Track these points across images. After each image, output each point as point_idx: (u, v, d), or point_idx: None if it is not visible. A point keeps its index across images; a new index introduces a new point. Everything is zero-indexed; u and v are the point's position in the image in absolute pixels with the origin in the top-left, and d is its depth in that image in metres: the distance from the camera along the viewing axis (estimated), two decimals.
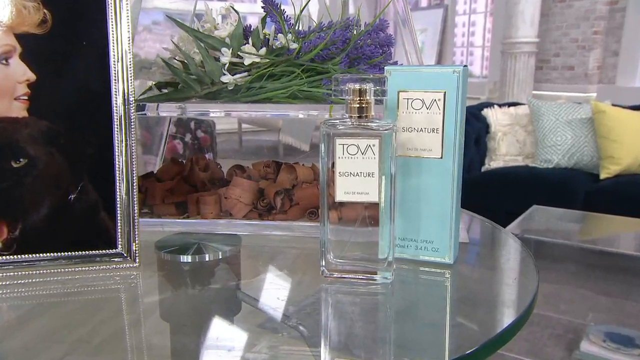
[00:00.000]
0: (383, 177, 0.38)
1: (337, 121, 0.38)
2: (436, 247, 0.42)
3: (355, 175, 0.38)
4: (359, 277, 0.39)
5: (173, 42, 0.49)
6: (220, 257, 0.45)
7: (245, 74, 0.48)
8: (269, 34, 0.50)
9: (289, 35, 0.48)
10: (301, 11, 0.53)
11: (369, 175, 0.37)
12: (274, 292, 0.40)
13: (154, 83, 0.49)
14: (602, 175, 2.02)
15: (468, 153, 2.16)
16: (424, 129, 0.41)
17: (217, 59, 0.48)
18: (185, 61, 0.47)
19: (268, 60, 0.47)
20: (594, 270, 1.96)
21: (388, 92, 0.41)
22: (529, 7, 3.11)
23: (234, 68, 0.48)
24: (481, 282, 0.42)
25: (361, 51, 0.48)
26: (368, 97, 0.37)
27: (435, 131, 0.41)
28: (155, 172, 0.51)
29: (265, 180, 0.52)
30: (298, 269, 0.45)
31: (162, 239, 0.47)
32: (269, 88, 0.47)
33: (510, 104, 2.38)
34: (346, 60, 0.47)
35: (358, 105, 0.37)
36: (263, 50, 0.48)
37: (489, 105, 2.37)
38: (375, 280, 0.39)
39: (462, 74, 0.40)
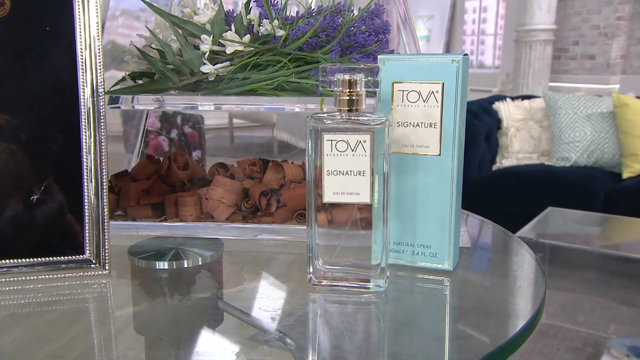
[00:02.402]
0: (375, 176, 0.38)
1: (325, 115, 0.38)
2: (434, 252, 0.42)
3: (345, 174, 0.38)
4: (350, 285, 0.39)
5: (148, 29, 0.49)
6: (200, 263, 0.45)
7: (228, 63, 0.48)
8: (254, 20, 0.50)
9: (275, 22, 0.48)
10: None
11: (359, 174, 0.38)
12: (259, 301, 0.40)
13: (127, 73, 0.49)
14: (625, 175, 2.02)
15: (478, 150, 2.17)
16: (420, 124, 0.41)
17: (197, 47, 0.48)
18: (162, 49, 0.47)
19: (252, 48, 0.47)
20: (615, 278, 1.97)
21: (381, 84, 0.41)
22: None
23: (215, 57, 0.48)
24: (483, 290, 0.42)
25: (354, 39, 0.48)
26: (359, 89, 0.38)
27: (432, 126, 0.41)
28: (129, 170, 0.51)
29: (250, 180, 0.52)
30: (285, 276, 0.45)
31: (136, 243, 0.47)
32: (254, 79, 0.47)
33: (524, 97, 2.38)
34: (337, 48, 0.47)
35: (348, 98, 0.37)
36: (247, 38, 0.48)
37: (501, 98, 2.37)
38: (367, 288, 0.39)
39: (462, 63, 0.40)
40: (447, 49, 4.27)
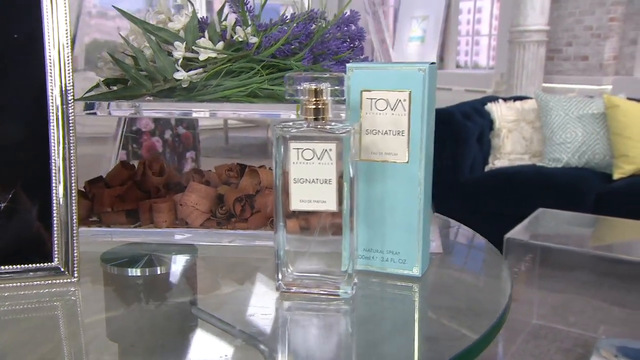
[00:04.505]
0: (343, 184, 0.38)
1: (291, 123, 0.38)
2: (403, 258, 0.43)
3: (312, 182, 0.38)
4: (318, 292, 0.40)
5: (121, 35, 0.49)
6: (173, 269, 0.46)
7: (201, 70, 0.48)
8: (227, 26, 0.50)
9: (249, 29, 0.48)
10: (264, 3, 0.54)
11: (326, 182, 0.38)
12: (232, 307, 0.41)
13: (101, 79, 0.50)
14: (615, 176, 2.04)
15: (470, 151, 2.18)
16: (388, 132, 0.42)
17: (171, 54, 0.48)
18: (135, 56, 0.48)
19: (225, 55, 0.48)
20: (606, 279, 1.98)
21: (351, 92, 0.42)
22: None
23: (188, 64, 0.48)
24: (451, 294, 0.43)
25: (326, 46, 0.48)
26: (325, 98, 0.38)
27: (400, 134, 0.41)
28: (104, 176, 0.51)
29: (226, 186, 0.52)
30: (259, 281, 0.45)
31: (109, 250, 0.47)
32: (227, 86, 0.48)
33: (516, 98, 2.39)
34: (309, 56, 0.48)
35: (314, 107, 0.38)
36: (220, 45, 0.48)
37: (493, 99, 2.38)
38: (336, 295, 0.40)
39: (428, 72, 0.41)
40: (442, 50, 4.28)
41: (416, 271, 0.43)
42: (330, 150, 0.38)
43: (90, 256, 0.46)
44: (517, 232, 1.70)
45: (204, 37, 0.48)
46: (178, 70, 0.47)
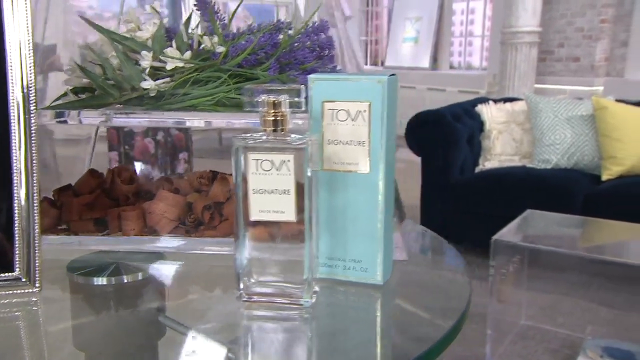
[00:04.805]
0: (303, 194, 0.39)
1: (250, 134, 0.39)
2: (365, 266, 0.43)
3: (270, 193, 0.39)
4: (279, 300, 0.40)
5: (89, 45, 0.50)
6: (140, 278, 0.46)
7: (168, 79, 0.48)
8: (195, 36, 0.51)
9: (215, 38, 0.49)
10: (235, 11, 0.54)
11: (284, 192, 0.38)
12: (199, 315, 0.41)
13: (69, 88, 0.50)
14: (604, 177, 2.05)
15: (460, 153, 2.19)
16: (350, 142, 0.42)
17: (138, 63, 0.48)
18: (102, 65, 0.48)
19: (192, 65, 0.48)
20: (595, 280, 1.99)
21: (313, 102, 0.42)
22: None
23: (156, 73, 0.49)
24: (412, 301, 0.43)
25: (293, 56, 0.49)
26: (283, 110, 0.38)
27: (361, 144, 0.42)
28: (73, 184, 0.52)
29: (196, 194, 0.53)
30: (225, 289, 0.45)
31: (76, 259, 0.48)
32: (194, 95, 0.48)
33: (506, 100, 2.40)
34: (275, 65, 0.48)
35: (272, 118, 0.38)
36: (188, 54, 0.48)
37: (484, 100, 2.39)
38: (296, 303, 0.40)
39: (387, 84, 0.41)
40: (435, 51, 4.28)
41: (378, 279, 0.43)
42: (289, 161, 0.38)
43: (57, 264, 0.46)
44: (505, 234, 1.71)
45: (171, 46, 0.48)
46: (145, 80, 0.48)
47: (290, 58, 0.49)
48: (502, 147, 2.29)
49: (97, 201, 0.50)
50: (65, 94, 0.50)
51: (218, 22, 0.52)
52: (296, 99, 0.38)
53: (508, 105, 2.34)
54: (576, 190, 1.99)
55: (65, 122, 0.51)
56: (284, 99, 0.38)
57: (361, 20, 5.19)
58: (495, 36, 3.61)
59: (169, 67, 0.48)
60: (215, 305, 0.43)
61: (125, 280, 0.46)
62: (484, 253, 1.55)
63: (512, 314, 1.81)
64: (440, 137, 2.14)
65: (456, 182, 2.13)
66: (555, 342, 1.74)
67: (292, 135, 0.39)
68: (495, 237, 1.61)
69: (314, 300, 0.40)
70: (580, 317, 1.85)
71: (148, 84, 0.48)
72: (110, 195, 0.51)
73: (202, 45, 0.48)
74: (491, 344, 1.62)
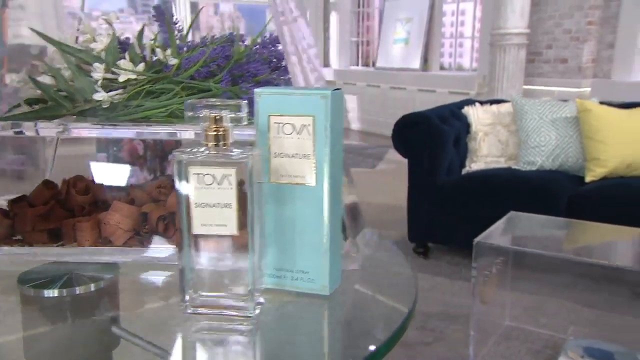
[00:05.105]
0: (246, 208, 0.39)
1: (191, 149, 0.39)
2: (312, 277, 0.44)
3: (212, 207, 0.39)
4: (224, 312, 0.41)
5: (43, 60, 0.50)
6: (93, 289, 0.46)
7: (121, 91, 0.49)
8: (154, 46, 0.51)
9: (169, 51, 0.49)
10: (192, 22, 0.55)
11: (226, 206, 0.39)
12: (150, 326, 0.41)
13: (23, 99, 0.50)
14: (587, 179, 2.07)
15: (447, 155, 2.20)
16: (295, 155, 0.43)
17: (90, 75, 0.49)
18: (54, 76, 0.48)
19: (145, 77, 0.48)
20: (579, 281, 2.00)
21: (259, 115, 0.43)
22: None
23: (110, 84, 0.49)
24: (358, 309, 0.44)
25: (246, 68, 0.49)
26: (225, 124, 0.39)
27: (306, 157, 0.42)
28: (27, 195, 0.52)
29: (152, 204, 0.53)
30: (176, 300, 0.46)
31: (28, 270, 0.48)
32: (147, 107, 0.48)
33: (492, 102, 2.41)
34: (227, 78, 0.48)
35: (214, 133, 0.39)
36: (141, 66, 0.49)
37: (470, 102, 2.40)
38: (240, 315, 0.41)
39: (331, 99, 0.41)
40: (426, 52, 4.30)
41: (325, 290, 0.44)
42: (230, 175, 0.38)
43: (10, 275, 0.46)
44: (487, 236, 1.72)
45: (124, 58, 0.49)
46: (98, 91, 0.48)
47: (242, 70, 0.49)
48: (488, 149, 2.31)
49: (51, 212, 0.50)
50: (18, 105, 0.50)
51: (176, 33, 0.52)
52: (238, 114, 0.39)
53: (494, 107, 2.35)
54: (560, 192, 2.01)
55: (21, 132, 0.51)
56: (225, 114, 0.38)
57: (352, 21, 5.20)
58: (484, 37, 3.62)
59: (121, 79, 0.48)
60: (165, 316, 0.43)
61: (78, 292, 0.46)
62: (470, 254, 1.56)
63: (496, 315, 1.82)
64: (427, 139, 2.15)
65: (442, 183, 2.13)
66: (538, 342, 1.75)
67: (234, 150, 0.39)
68: (477, 239, 1.62)
69: (258, 311, 0.41)
70: (563, 318, 1.86)
71: (100, 95, 0.48)
72: (65, 206, 0.51)
73: (155, 57, 0.49)
74: (474, 345, 1.63)
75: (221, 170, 0.38)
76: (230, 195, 0.39)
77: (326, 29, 5.33)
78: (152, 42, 0.52)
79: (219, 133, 0.39)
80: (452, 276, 2.07)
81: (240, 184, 0.39)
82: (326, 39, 5.35)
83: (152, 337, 0.40)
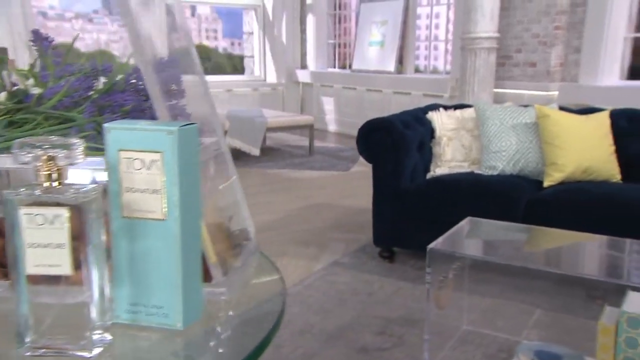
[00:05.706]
0: (85, 246, 0.38)
1: (23, 188, 0.38)
2: (166, 312, 0.43)
3: (45, 247, 0.38)
4: (66, 350, 0.40)
5: None
6: None
7: None
8: (19, 73, 0.50)
9: (30, 80, 0.48)
10: (71, 45, 0.53)
11: (58, 246, 0.38)
12: None
13: None
14: (546, 183, 2.09)
15: (410, 159, 2.20)
16: (145, 190, 0.42)
17: None
18: None
19: (5, 107, 0.47)
20: (536, 283, 2.03)
21: (109, 150, 0.42)
22: (488, 0, 3.17)
23: None
24: (209, 344, 0.43)
25: (112, 99, 0.48)
26: (59, 163, 0.38)
27: (156, 192, 0.42)
28: None
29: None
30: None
31: None
32: (8, 136, 0.47)
33: (456, 107, 2.43)
34: (91, 108, 0.47)
35: (47, 172, 0.38)
36: (3, 95, 0.47)
37: (434, 108, 2.41)
38: (80, 354, 0.40)
39: (178, 134, 0.41)
40: (401, 54, 4.30)
41: (179, 324, 0.43)
42: (62, 215, 0.38)
43: None
44: (441, 242, 1.73)
45: None
46: None
47: (109, 100, 0.48)
48: (452, 154, 2.32)
49: None
50: None
51: (51, 58, 0.51)
52: (71, 152, 0.38)
53: (458, 112, 2.36)
54: (518, 196, 2.02)
55: None
56: (59, 152, 0.38)
57: (329, 23, 5.19)
58: (457, 41, 3.64)
59: None
60: (11, 355, 0.42)
61: None
62: None
63: (454, 319, 1.83)
64: (390, 144, 2.16)
65: (406, 188, 2.14)
66: (494, 346, 1.77)
67: (72, 188, 0.38)
68: (430, 245, 1.62)
69: (99, 350, 0.40)
70: (519, 321, 1.88)
71: None
72: None
73: (16, 87, 0.48)
74: (430, 350, 1.64)
75: (53, 210, 0.37)
76: (62, 235, 0.38)
77: (303, 30, 5.31)
78: (27, 69, 0.51)
79: (52, 172, 0.38)
80: (416, 281, 2.08)
81: (82, 221, 0.38)
82: (303, 41, 5.34)
83: None
